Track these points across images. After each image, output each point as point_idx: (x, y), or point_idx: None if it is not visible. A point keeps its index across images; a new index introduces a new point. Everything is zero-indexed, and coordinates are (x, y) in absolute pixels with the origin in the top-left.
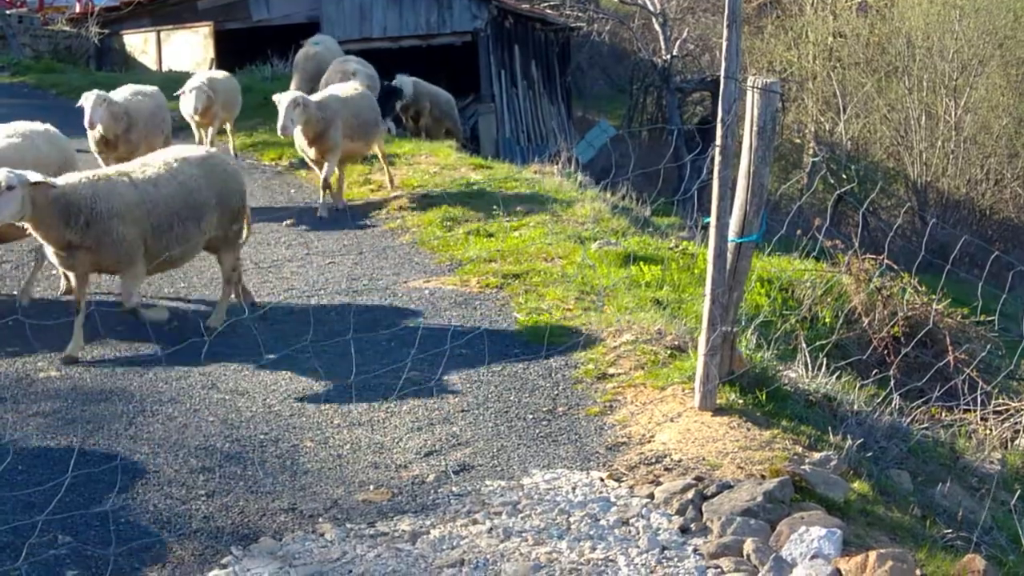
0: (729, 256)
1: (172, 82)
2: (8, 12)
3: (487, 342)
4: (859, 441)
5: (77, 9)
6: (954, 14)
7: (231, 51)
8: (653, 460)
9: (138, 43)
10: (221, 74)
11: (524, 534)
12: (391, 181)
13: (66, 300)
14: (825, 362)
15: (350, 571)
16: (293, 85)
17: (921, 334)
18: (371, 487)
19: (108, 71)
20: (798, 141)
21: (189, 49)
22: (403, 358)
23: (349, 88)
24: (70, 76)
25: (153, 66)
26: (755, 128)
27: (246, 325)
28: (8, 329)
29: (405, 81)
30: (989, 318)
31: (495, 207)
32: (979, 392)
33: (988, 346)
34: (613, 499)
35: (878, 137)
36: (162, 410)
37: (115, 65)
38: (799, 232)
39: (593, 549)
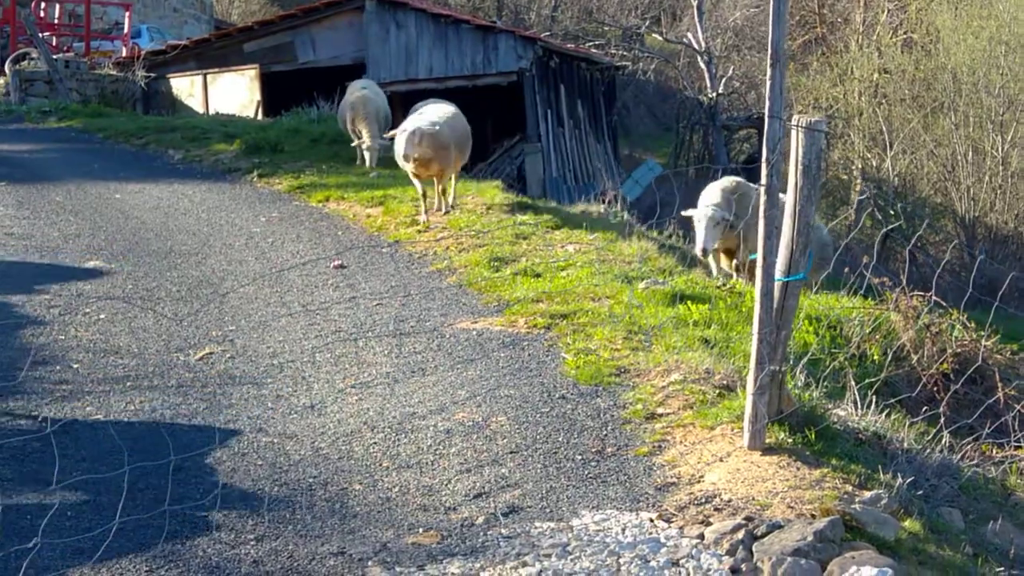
0: (776, 295)
1: (219, 124)
2: (55, 57)
3: (536, 383)
4: (909, 479)
5: (124, 53)
6: (1000, 49)
7: (277, 93)
8: (703, 500)
9: (185, 86)
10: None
11: None
12: None
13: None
14: (874, 400)
15: None
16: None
17: (971, 371)
18: (420, 530)
19: (155, 114)
20: (845, 177)
21: (236, 91)
22: (450, 398)
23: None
24: (117, 120)
25: (200, 109)
26: (800, 167)
27: (296, 367)
28: (56, 374)
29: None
30: None
31: (541, 247)
32: None
33: None
34: (663, 540)
35: (925, 173)
36: (210, 454)
37: (162, 108)
38: (847, 270)
39: None
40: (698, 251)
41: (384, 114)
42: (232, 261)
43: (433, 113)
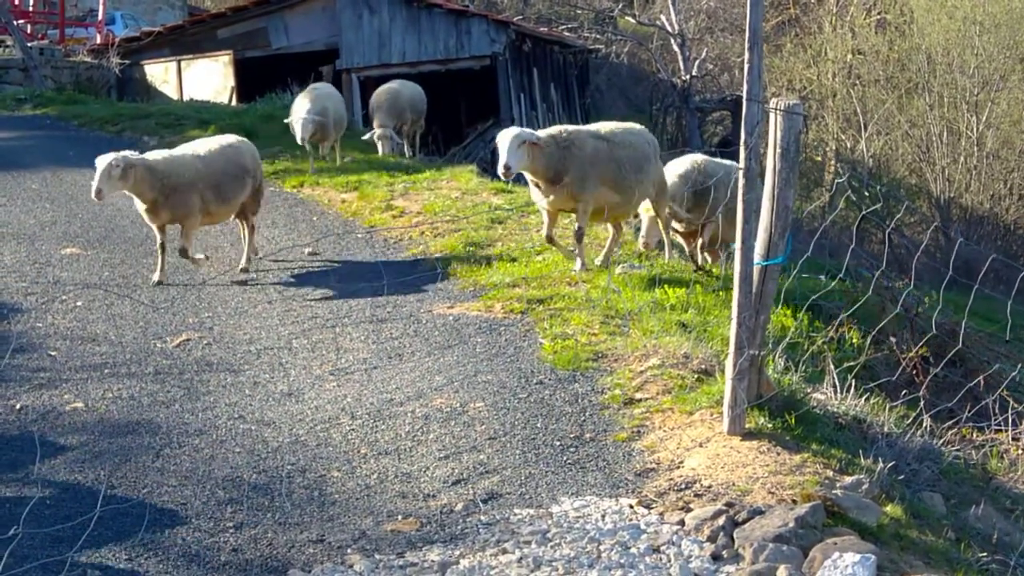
0: (755, 279)
1: (193, 110)
2: (30, 45)
3: (513, 368)
4: (890, 464)
5: (98, 40)
6: (974, 29)
7: (251, 79)
8: (683, 486)
9: (159, 73)
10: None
11: (554, 563)
12: None
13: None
14: (853, 384)
15: None
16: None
17: (951, 354)
18: (399, 517)
19: (130, 101)
20: (819, 159)
21: (210, 78)
22: (428, 384)
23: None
24: (92, 107)
25: (174, 95)
26: (779, 150)
27: (273, 353)
28: (34, 362)
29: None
30: (1017, 336)
31: (517, 231)
32: (1010, 412)
33: (1019, 365)
34: (643, 526)
35: (900, 154)
36: (189, 442)
37: (136, 95)
38: (827, 253)
39: None
40: (500, 169)
41: (332, 113)
42: (207, 247)
43: (200, 144)
